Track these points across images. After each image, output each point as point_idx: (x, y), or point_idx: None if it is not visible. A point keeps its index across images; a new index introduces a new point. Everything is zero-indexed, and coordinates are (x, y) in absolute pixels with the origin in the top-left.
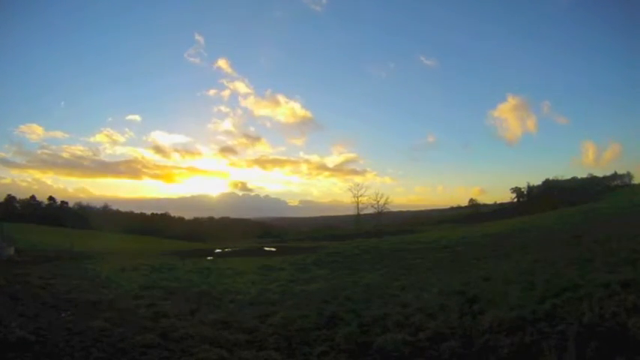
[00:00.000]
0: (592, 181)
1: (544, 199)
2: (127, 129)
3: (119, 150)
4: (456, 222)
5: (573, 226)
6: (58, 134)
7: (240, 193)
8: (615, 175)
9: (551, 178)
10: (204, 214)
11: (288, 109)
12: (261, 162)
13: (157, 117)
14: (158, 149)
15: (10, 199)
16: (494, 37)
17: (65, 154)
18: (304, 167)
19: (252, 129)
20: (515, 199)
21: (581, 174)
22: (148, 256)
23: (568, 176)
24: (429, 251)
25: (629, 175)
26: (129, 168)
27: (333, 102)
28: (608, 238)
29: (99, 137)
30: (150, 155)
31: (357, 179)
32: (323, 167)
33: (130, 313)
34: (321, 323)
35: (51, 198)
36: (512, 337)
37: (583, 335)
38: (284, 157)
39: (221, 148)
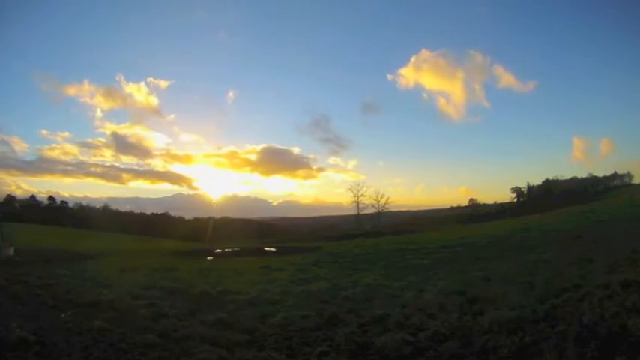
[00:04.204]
0: (592, 181)
1: (544, 199)
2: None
3: (23, 147)
4: (456, 222)
5: (573, 226)
6: None
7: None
8: (615, 175)
9: (551, 178)
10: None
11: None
12: (179, 158)
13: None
14: (63, 148)
15: (10, 199)
16: None
17: None
18: (225, 161)
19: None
20: (515, 199)
21: (581, 173)
22: (148, 256)
23: (567, 176)
24: (429, 251)
25: (629, 175)
26: (59, 168)
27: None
28: (608, 238)
29: None
30: (63, 154)
31: (301, 173)
32: (248, 162)
33: (130, 313)
34: (321, 323)
35: (51, 198)
36: (512, 337)
37: (583, 335)
38: (199, 154)
39: (118, 145)
